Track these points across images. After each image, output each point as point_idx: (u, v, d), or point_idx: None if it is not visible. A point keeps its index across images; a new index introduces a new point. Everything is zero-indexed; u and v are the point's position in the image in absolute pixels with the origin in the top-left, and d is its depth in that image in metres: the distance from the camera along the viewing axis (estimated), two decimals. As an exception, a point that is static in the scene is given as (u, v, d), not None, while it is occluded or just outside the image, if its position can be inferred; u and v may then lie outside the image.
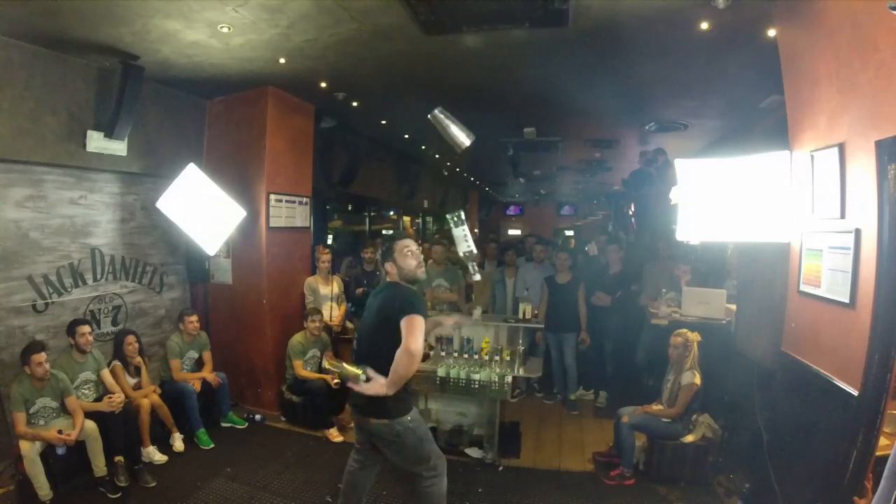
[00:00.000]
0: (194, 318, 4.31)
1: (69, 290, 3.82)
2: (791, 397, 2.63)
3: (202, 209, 4.24)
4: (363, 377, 2.21)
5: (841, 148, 2.22)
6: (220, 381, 4.32)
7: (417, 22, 3.13)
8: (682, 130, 5.93)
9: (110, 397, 3.45)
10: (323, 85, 4.53)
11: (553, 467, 3.80)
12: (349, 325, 5.17)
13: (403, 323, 2.22)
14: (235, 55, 3.72)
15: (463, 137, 3.08)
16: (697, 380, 3.42)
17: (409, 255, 2.34)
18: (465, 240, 2.86)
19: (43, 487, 3.03)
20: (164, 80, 4.21)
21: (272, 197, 4.73)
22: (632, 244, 7.37)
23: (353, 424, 2.53)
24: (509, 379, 3.78)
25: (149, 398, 3.82)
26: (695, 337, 3.52)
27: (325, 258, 4.85)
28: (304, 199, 5.19)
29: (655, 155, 6.41)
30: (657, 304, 4.41)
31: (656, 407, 3.62)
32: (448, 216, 2.70)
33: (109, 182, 4.17)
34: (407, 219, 12.51)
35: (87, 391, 3.56)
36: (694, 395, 3.43)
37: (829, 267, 2.30)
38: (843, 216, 2.21)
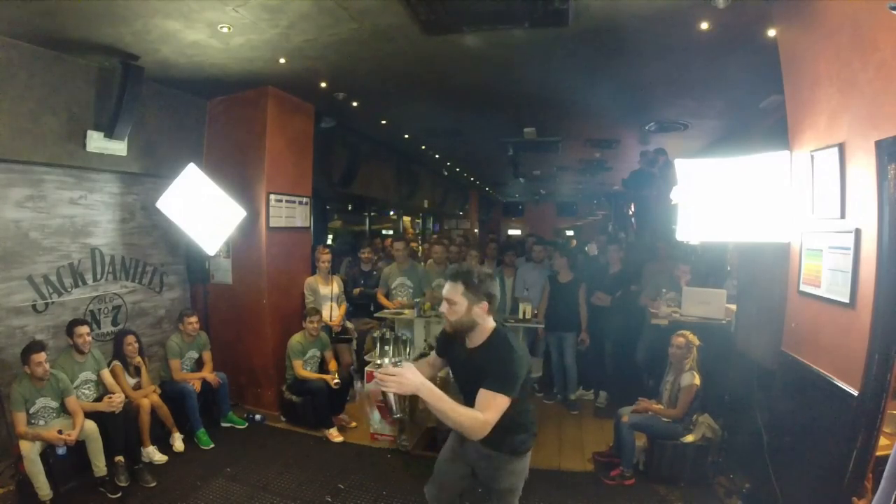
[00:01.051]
0: (194, 318, 4.31)
1: (69, 290, 3.82)
2: (791, 397, 2.63)
3: (202, 209, 4.24)
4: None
5: (841, 148, 2.22)
6: (220, 381, 4.32)
7: (417, 22, 3.13)
8: (682, 130, 5.93)
9: (110, 397, 3.45)
10: (323, 85, 4.53)
11: (553, 467, 3.80)
12: (349, 325, 5.18)
13: None
14: (235, 55, 3.72)
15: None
16: (697, 380, 3.42)
17: None
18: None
19: (43, 487, 3.02)
20: (164, 80, 4.21)
21: (272, 197, 4.73)
22: (632, 244, 7.38)
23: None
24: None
25: (149, 398, 3.82)
26: (694, 340, 3.52)
27: (325, 258, 4.85)
28: (304, 199, 5.19)
29: (656, 155, 6.41)
30: (657, 304, 4.41)
31: (657, 406, 3.62)
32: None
33: (109, 182, 4.17)
34: (407, 219, 12.53)
35: (87, 391, 3.55)
36: (694, 395, 3.43)
37: (829, 267, 2.30)
38: (843, 216, 2.21)
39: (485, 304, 1.99)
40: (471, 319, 1.99)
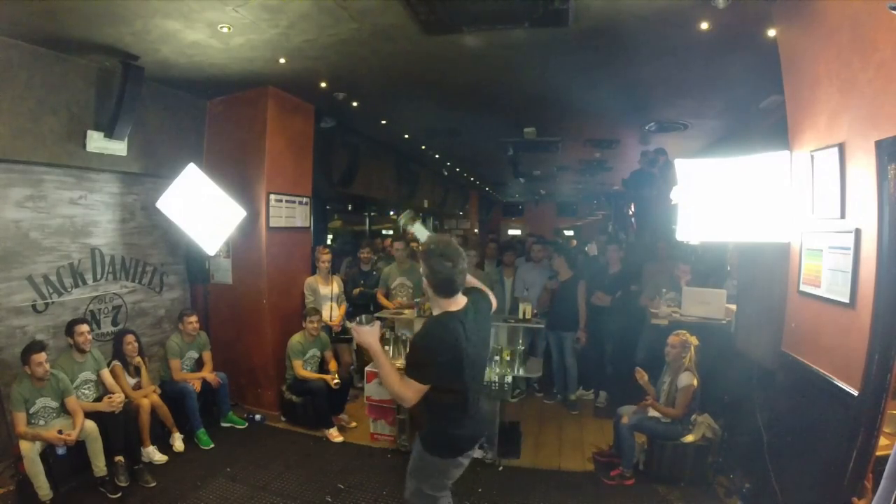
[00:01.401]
0: (194, 318, 4.31)
1: (69, 290, 3.81)
2: (791, 397, 2.63)
3: (202, 209, 4.24)
4: None
5: (841, 148, 2.22)
6: (220, 381, 4.32)
7: (417, 22, 3.13)
8: (682, 130, 5.93)
9: (110, 397, 3.45)
10: (323, 85, 4.53)
11: (553, 467, 3.80)
12: (349, 324, 5.18)
13: None
14: (235, 55, 3.72)
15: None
16: (695, 381, 3.42)
17: None
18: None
19: (43, 487, 3.02)
20: (164, 80, 4.20)
21: (272, 197, 4.73)
22: (632, 244, 7.37)
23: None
24: (509, 379, 3.78)
25: (149, 398, 3.82)
26: (692, 340, 3.52)
27: (325, 258, 4.85)
28: (304, 199, 5.19)
29: (656, 155, 6.41)
30: (657, 304, 4.41)
31: (661, 406, 3.61)
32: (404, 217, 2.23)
33: (109, 182, 4.17)
34: (407, 219, 12.49)
35: (87, 391, 3.55)
36: (692, 396, 3.43)
37: (829, 267, 2.30)
38: (843, 216, 2.21)
39: (425, 281, 2.02)
40: (425, 290, 2.06)
